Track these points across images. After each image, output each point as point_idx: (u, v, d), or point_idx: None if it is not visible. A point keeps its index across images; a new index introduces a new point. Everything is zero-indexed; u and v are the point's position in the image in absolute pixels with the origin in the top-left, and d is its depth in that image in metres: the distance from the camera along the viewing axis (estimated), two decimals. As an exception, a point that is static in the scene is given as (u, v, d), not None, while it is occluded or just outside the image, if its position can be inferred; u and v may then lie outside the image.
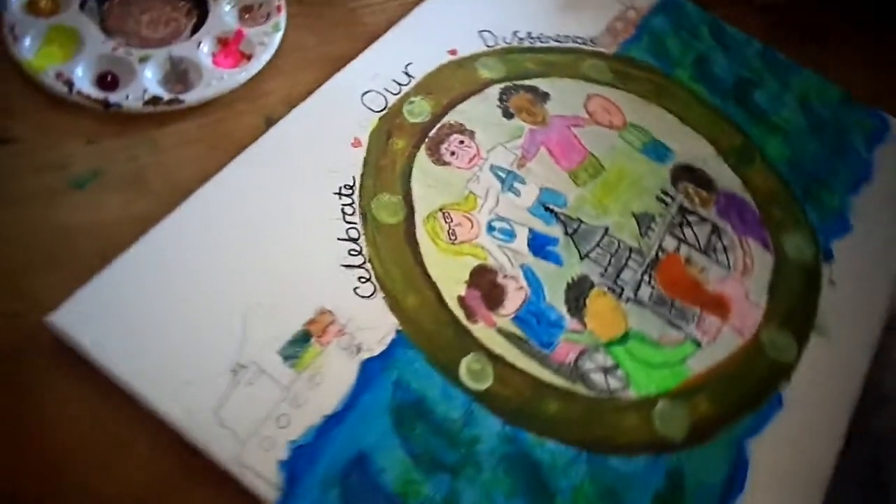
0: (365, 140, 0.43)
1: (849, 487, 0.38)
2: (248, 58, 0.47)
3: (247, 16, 0.49)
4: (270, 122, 0.44)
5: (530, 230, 0.42)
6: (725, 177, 0.47)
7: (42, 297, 0.36)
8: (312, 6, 0.51)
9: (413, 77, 0.46)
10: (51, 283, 0.37)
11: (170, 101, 0.44)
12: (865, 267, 0.44)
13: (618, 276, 0.41)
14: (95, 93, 0.43)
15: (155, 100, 0.44)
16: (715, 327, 0.41)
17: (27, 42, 0.44)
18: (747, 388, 0.39)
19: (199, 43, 0.46)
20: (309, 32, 0.50)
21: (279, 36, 0.48)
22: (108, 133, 0.43)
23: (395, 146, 0.43)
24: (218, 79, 0.45)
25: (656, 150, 0.47)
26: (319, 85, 0.46)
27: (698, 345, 0.40)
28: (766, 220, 0.45)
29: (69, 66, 0.44)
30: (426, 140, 0.44)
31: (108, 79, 0.44)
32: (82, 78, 0.44)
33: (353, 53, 0.48)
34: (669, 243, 0.43)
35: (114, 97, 0.43)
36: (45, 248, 0.38)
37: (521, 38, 0.50)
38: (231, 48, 0.47)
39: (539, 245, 0.41)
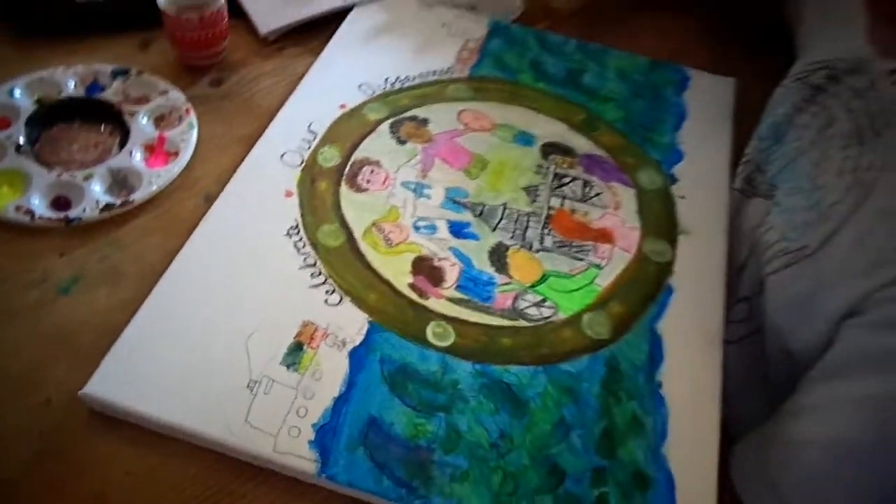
0: (295, 189, 0.52)
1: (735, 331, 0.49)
2: (175, 154, 0.55)
3: (162, 122, 0.57)
4: (210, 199, 0.52)
5: (447, 221, 0.52)
6: (581, 143, 0.59)
7: (63, 383, 0.42)
8: (213, 102, 0.60)
9: (317, 133, 0.56)
10: (66, 370, 0.43)
11: (122, 205, 0.51)
12: (701, 178, 0.57)
13: (524, 235, 0.52)
14: (54, 214, 0.50)
15: (108, 206, 0.51)
16: (608, 252, 0.52)
17: (-20, 190, 0.50)
18: (644, 287, 0.50)
19: (131, 153, 0.54)
20: (218, 123, 0.58)
21: (195, 132, 0.57)
22: (75, 244, 0.50)
23: (320, 188, 0.52)
24: (156, 177, 0.53)
25: (524, 138, 0.58)
26: (241, 160, 0.54)
27: (600, 267, 0.51)
28: (621, 165, 0.58)
29: (25, 199, 0.50)
30: (343, 177, 0.53)
31: (62, 200, 0.51)
32: (39, 205, 0.50)
33: (260, 129, 0.57)
34: (555, 202, 0.54)
35: (72, 213, 0.50)
36: (52, 346, 0.45)
37: (392, 83, 0.61)
38: (158, 151, 0.55)
39: (457, 230, 0.51)
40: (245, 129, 0.58)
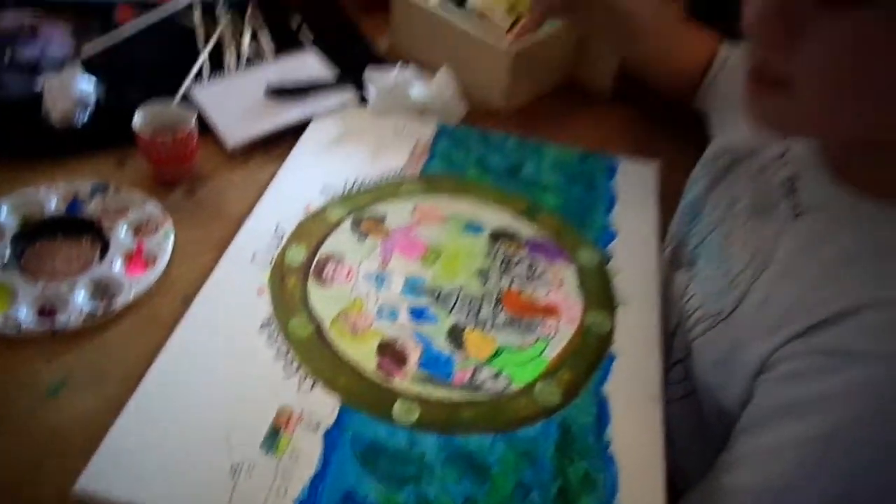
0: (266, 287, 0.57)
1: (672, 392, 0.54)
2: (154, 261, 0.60)
3: (140, 232, 0.62)
4: (187, 301, 0.56)
5: (408, 307, 0.57)
6: (525, 229, 0.65)
7: (56, 481, 0.45)
8: (188, 211, 0.65)
9: (284, 233, 0.61)
10: (57, 470, 0.46)
11: (104, 312, 0.55)
12: (632, 253, 0.64)
13: (478, 315, 0.57)
14: (41, 324, 0.54)
15: (91, 315, 0.55)
16: (554, 325, 0.57)
17: (-30, 305, 0.54)
18: (589, 355, 0.55)
19: (111, 262, 0.59)
20: (193, 229, 0.63)
21: (171, 239, 0.62)
22: (61, 350, 0.53)
23: (289, 284, 0.57)
24: (135, 284, 0.57)
25: (473, 227, 0.65)
26: (215, 263, 0.59)
27: (548, 340, 0.56)
28: (562, 247, 0.64)
29: (12, 312, 0.54)
30: (310, 273, 0.59)
31: (47, 310, 0.55)
32: (26, 316, 0.54)
33: (232, 233, 0.62)
34: (504, 283, 0.60)
35: (57, 322, 0.54)
36: (45, 445, 0.48)
37: (351, 185, 0.67)
38: (137, 259, 0.60)
39: (417, 314, 0.56)
40: (218, 234, 0.63)
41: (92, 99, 0.71)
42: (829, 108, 0.44)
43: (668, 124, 0.82)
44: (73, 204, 0.63)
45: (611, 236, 0.66)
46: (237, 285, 0.57)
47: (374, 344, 0.54)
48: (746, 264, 0.52)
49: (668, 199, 0.70)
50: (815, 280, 0.46)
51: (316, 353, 0.53)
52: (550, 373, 0.54)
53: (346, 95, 0.78)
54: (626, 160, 0.75)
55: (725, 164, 0.62)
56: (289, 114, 0.75)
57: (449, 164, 0.72)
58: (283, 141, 0.73)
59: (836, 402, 0.42)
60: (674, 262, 0.63)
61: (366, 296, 0.57)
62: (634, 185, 0.72)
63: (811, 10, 0.40)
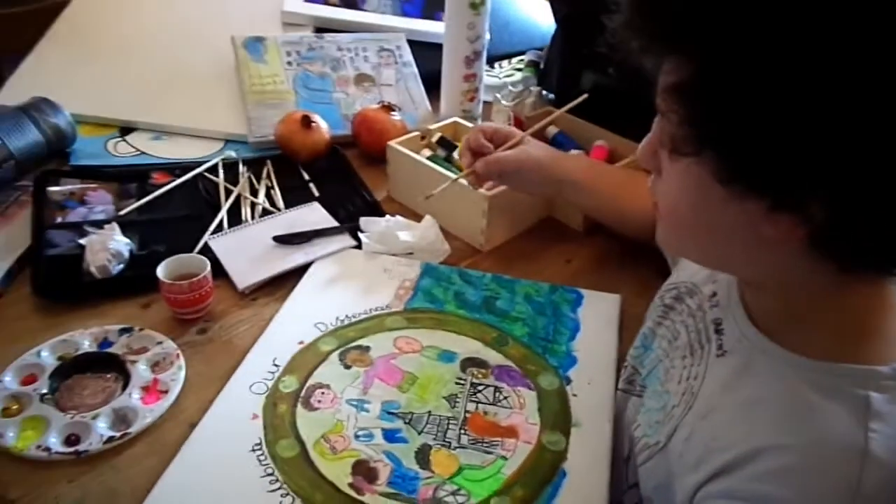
0: (260, 413, 0.65)
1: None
2: (166, 392, 0.69)
3: (157, 367, 0.72)
4: (193, 426, 0.65)
5: (382, 430, 0.65)
6: (494, 357, 0.73)
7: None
8: (199, 347, 0.75)
9: (279, 366, 0.71)
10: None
11: (121, 437, 0.64)
12: (591, 378, 0.71)
13: (445, 436, 0.64)
14: (67, 450, 0.63)
15: (110, 440, 0.64)
16: (513, 445, 0.64)
17: (10, 435, 0.63)
18: (542, 473, 0.61)
19: (130, 394, 0.68)
20: (203, 363, 0.73)
21: (182, 373, 0.71)
22: (82, 471, 0.62)
23: (280, 409, 0.66)
24: (149, 412, 0.66)
25: (447, 356, 0.73)
26: (219, 391, 0.68)
27: (506, 459, 0.62)
28: (525, 373, 0.72)
29: (44, 439, 0.63)
30: (299, 400, 0.67)
31: (73, 437, 0.64)
32: (55, 442, 0.63)
33: (235, 366, 0.71)
34: (471, 406, 0.67)
35: (81, 447, 0.63)
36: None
37: (342, 320, 0.77)
38: (152, 391, 0.69)
39: (390, 436, 0.64)
40: (224, 367, 0.72)
41: (126, 252, 0.83)
42: (674, 237, 0.53)
43: (637, 255, 0.91)
44: (103, 343, 0.74)
45: (573, 361, 0.73)
46: (235, 412, 0.65)
47: (350, 462, 0.61)
48: (679, 400, 0.57)
49: (630, 327, 0.77)
50: (727, 421, 0.51)
51: (298, 472, 0.60)
52: (506, 489, 0.60)
53: (344, 241, 0.89)
54: (592, 293, 0.83)
55: (672, 300, 0.67)
56: (293, 258, 0.86)
57: (430, 300, 0.81)
58: (288, 281, 0.84)
59: None
60: (629, 388, 0.68)
61: (346, 419, 0.65)
62: (598, 315, 0.80)
63: (665, 156, 0.49)
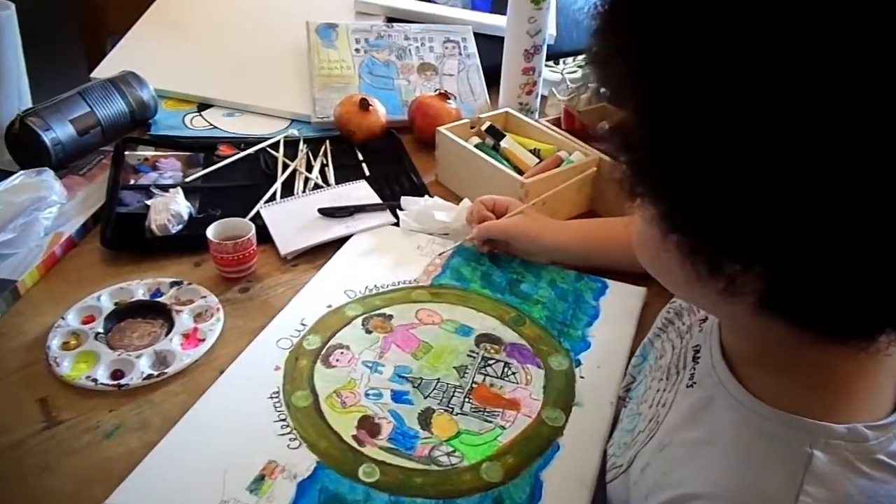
0: (282, 365, 0.71)
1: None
2: (203, 340, 0.75)
3: (198, 318, 0.79)
4: (223, 371, 0.71)
5: (391, 391, 0.68)
6: (509, 335, 0.76)
7: (98, 497, 0.59)
8: (239, 304, 0.82)
9: (306, 325, 0.76)
10: (102, 490, 0.60)
11: (158, 376, 0.71)
12: (601, 363, 0.72)
13: (449, 402, 0.67)
14: (111, 382, 0.70)
15: (149, 376, 0.71)
16: (513, 417, 0.66)
17: (65, 365, 0.71)
18: (536, 444, 0.64)
19: (171, 340, 0.75)
20: (239, 318, 0.79)
21: (220, 325, 0.77)
22: (122, 402, 0.69)
23: (301, 364, 0.71)
24: (186, 357, 0.73)
25: (464, 331, 0.76)
26: (250, 344, 0.74)
27: (504, 428, 0.65)
28: (537, 352, 0.74)
29: (93, 372, 0.71)
30: (319, 357, 0.72)
31: (118, 373, 0.71)
32: (102, 375, 0.71)
33: (268, 322, 0.77)
34: (479, 378, 0.70)
35: (123, 381, 0.70)
36: (98, 471, 0.62)
37: (370, 289, 0.82)
38: (192, 338, 0.76)
39: (397, 397, 0.68)
40: (258, 323, 0.78)
41: (185, 214, 0.91)
42: (641, 263, 0.51)
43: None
44: (155, 293, 0.81)
45: (586, 346, 0.75)
46: (260, 363, 0.71)
47: (357, 417, 0.66)
48: (645, 426, 0.56)
49: (649, 323, 0.78)
50: (677, 459, 0.50)
51: (308, 421, 0.65)
52: (499, 455, 0.63)
53: (384, 217, 0.94)
54: (617, 284, 0.84)
55: (673, 315, 0.65)
56: (334, 230, 0.91)
57: (457, 278, 0.84)
58: (327, 251, 0.89)
59: None
60: (624, 396, 0.68)
61: (360, 378, 0.70)
62: (620, 305, 0.81)
63: None
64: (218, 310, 0.79)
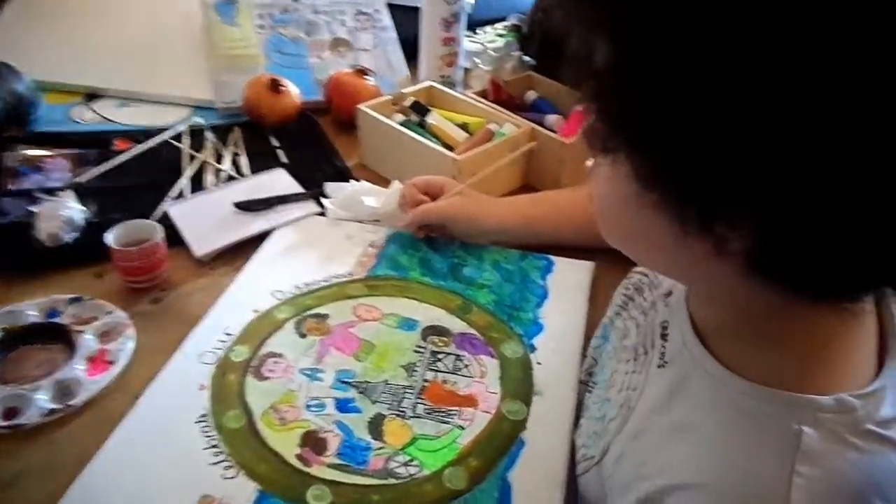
0: (208, 383, 0.63)
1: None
2: (113, 363, 0.66)
3: (104, 337, 0.69)
4: (139, 397, 0.62)
5: (335, 399, 0.62)
6: (456, 324, 0.70)
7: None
8: (153, 316, 0.72)
9: (231, 334, 0.68)
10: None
11: (63, 409, 0.61)
12: (556, 347, 0.68)
13: (399, 405, 0.61)
14: (4, 423, 0.60)
15: (52, 412, 0.61)
16: (471, 414, 0.61)
17: (-54, 406, 0.61)
18: (500, 442, 0.59)
19: (74, 366, 0.65)
20: (154, 333, 0.70)
21: (132, 343, 0.68)
22: (21, 445, 0.59)
23: (229, 379, 0.63)
24: (94, 384, 0.64)
25: (407, 324, 0.70)
26: (168, 361, 0.65)
27: (462, 428, 0.60)
28: (488, 340, 0.69)
29: (-20, 411, 0.61)
30: (249, 369, 0.64)
31: (12, 410, 0.61)
32: (-8, 416, 0.61)
33: (187, 334, 0.68)
34: (430, 375, 0.64)
35: (20, 420, 0.60)
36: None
37: (300, 288, 0.74)
38: (99, 362, 0.66)
39: (342, 405, 0.61)
40: (176, 337, 0.69)
41: (79, 220, 0.80)
42: (609, 235, 0.47)
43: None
44: (51, 313, 0.71)
45: (539, 329, 0.70)
46: (182, 383, 0.63)
47: (300, 433, 0.59)
48: (615, 413, 0.53)
49: (601, 297, 0.74)
50: (655, 446, 0.47)
51: (243, 444, 0.57)
52: (460, 459, 0.57)
53: (308, 207, 0.86)
54: (563, 260, 0.80)
55: (633, 291, 0.62)
56: (254, 225, 0.83)
57: (395, 267, 0.78)
58: (248, 249, 0.81)
59: None
60: (587, 381, 0.64)
61: (298, 389, 0.63)
62: (568, 282, 0.77)
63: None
64: (127, 326, 0.70)
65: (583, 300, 0.74)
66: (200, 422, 0.59)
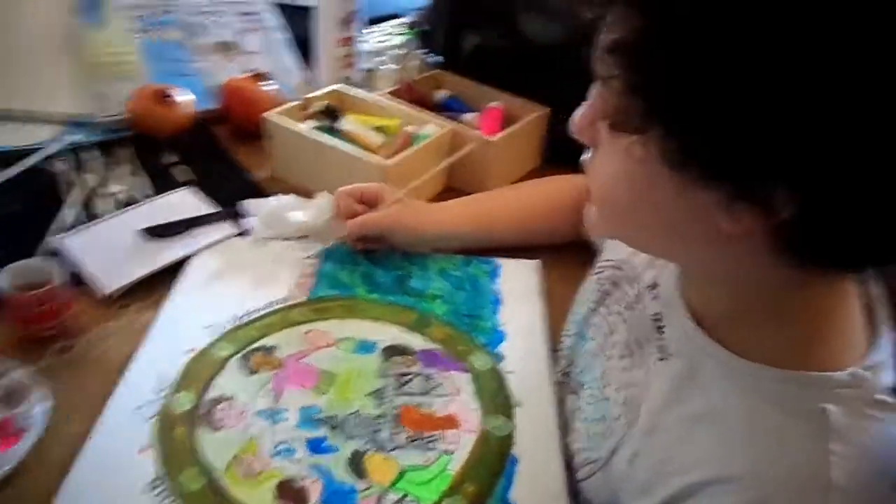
0: (152, 441, 0.54)
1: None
2: (24, 431, 0.55)
3: (8, 401, 0.58)
4: (65, 470, 0.52)
5: (305, 440, 0.55)
6: (416, 341, 0.66)
7: None
8: (63, 369, 0.62)
9: (168, 381, 0.59)
10: None
11: (-32, 496, 0.50)
12: (524, 353, 0.65)
13: (376, 438, 0.56)
14: None
15: (-46, 501, 0.50)
16: (455, 437, 0.57)
17: None
18: (492, 463, 0.55)
19: (-24, 440, 0.54)
20: (70, 389, 0.60)
21: (45, 404, 0.58)
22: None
23: (178, 434, 0.55)
24: (3, 461, 0.53)
25: (365, 347, 0.65)
26: (95, 422, 0.56)
27: (450, 454, 0.56)
28: (454, 354, 0.65)
29: None
30: (198, 419, 0.56)
31: None
32: None
33: (113, 386, 0.59)
34: (400, 400, 0.60)
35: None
36: None
37: (239, 318, 0.66)
38: (5, 432, 0.55)
39: (315, 446, 0.55)
40: (99, 391, 0.59)
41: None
42: (609, 225, 0.46)
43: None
44: (-69, 380, 0.58)
45: (501, 337, 0.68)
46: (119, 445, 0.54)
47: (273, 485, 0.52)
48: (620, 412, 0.51)
49: (557, 288, 0.73)
50: (675, 441, 0.46)
51: (210, 506, 0.50)
52: (456, 487, 0.53)
53: (226, 228, 0.78)
54: (508, 261, 0.78)
55: (607, 286, 0.60)
56: (168, 253, 0.74)
57: (336, 286, 0.72)
58: (165, 281, 0.72)
59: None
60: (565, 381, 0.62)
61: (260, 435, 0.56)
62: (519, 284, 0.74)
63: (605, 130, 0.42)
64: (35, 385, 0.59)
65: (538, 300, 0.72)
66: (154, 489, 0.51)
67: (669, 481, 0.44)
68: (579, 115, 0.45)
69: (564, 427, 0.58)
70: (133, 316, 0.68)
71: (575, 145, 0.47)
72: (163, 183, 0.86)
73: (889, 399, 0.42)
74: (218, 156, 0.94)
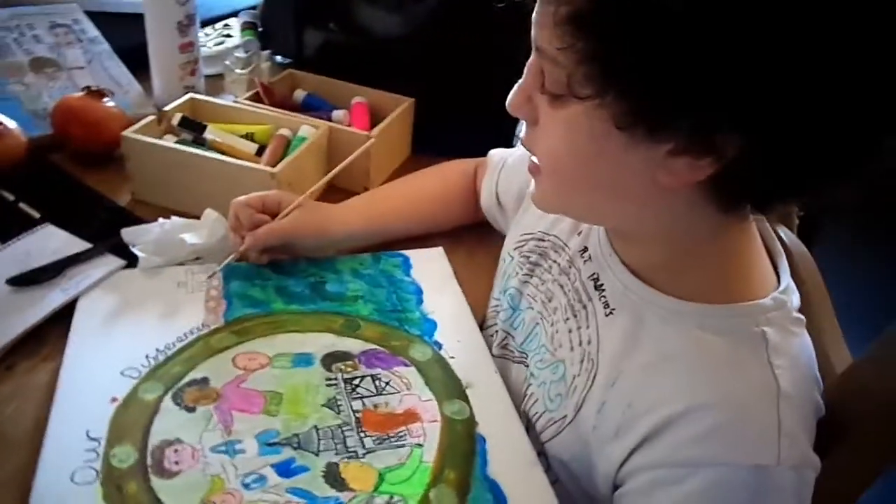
0: (102, 506, 0.48)
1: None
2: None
3: None
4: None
5: (271, 466, 0.53)
6: (352, 344, 0.65)
7: None
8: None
9: (99, 437, 0.53)
10: None
11: None
12: (459, 337, 0.67)
13: (346, 446, 0.55)
14: None
15: None
16: (420, 429, 0.57)
17: None
18: (462, 446, 0.56)
19: None
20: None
21: (-54, 495, 0.49)
22: None
23: (130, 491, 0.50)
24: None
25: (302, 360, 0.63)
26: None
27: (421, 446, 0.56)
28: (393, 350, 0.65)
29: None
30: (149, 470, 0.51)
31: None
32: None
33: (30, 462, 0.52)
34: (357, 405, 0.59)
35: None
36: None
37: (155, 357, 0.61)
38: None
39: (285, 470, 0.53)
40: (13, 468, 0.52)
41: None
42: (558, 194, 0.50)
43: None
44: None
45: (433, 325, 0.68)
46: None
47: (254, 520, 0.49)
48: (579, 369, 0.54)
49: (465, 270, 0.76)
50: (638, 385, 0.50)
51: (193, 559, 0.46)
52: (437, 477, 0.54)
53: (110, 262, 0.71)
54: (414, 252, 0.78)
55: (535, 259, 0.64)
56: (45, 302, 0.65)
57: (251, 304, 0.68)
58: (51, 332, 0.64)
59: None
60: (505, 354, 0.65)
61: (222, 471, 0.52)
62: (433, 272, 0.75)
63: (544, 103, 0.46)
64: (-69, 477, 0.50)
65: (454, 284, 0.74)
66: (123, 556, 0.46)
67: (641, 421, 0.48)
68: (515, 93, 0.48)
69: (518, 397, 0.61)
70: (22, 377, 0.60)
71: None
72: (9, 226, 0.76)
73: (801, 316, 0.50)
74: (66, 185, 0.84)
